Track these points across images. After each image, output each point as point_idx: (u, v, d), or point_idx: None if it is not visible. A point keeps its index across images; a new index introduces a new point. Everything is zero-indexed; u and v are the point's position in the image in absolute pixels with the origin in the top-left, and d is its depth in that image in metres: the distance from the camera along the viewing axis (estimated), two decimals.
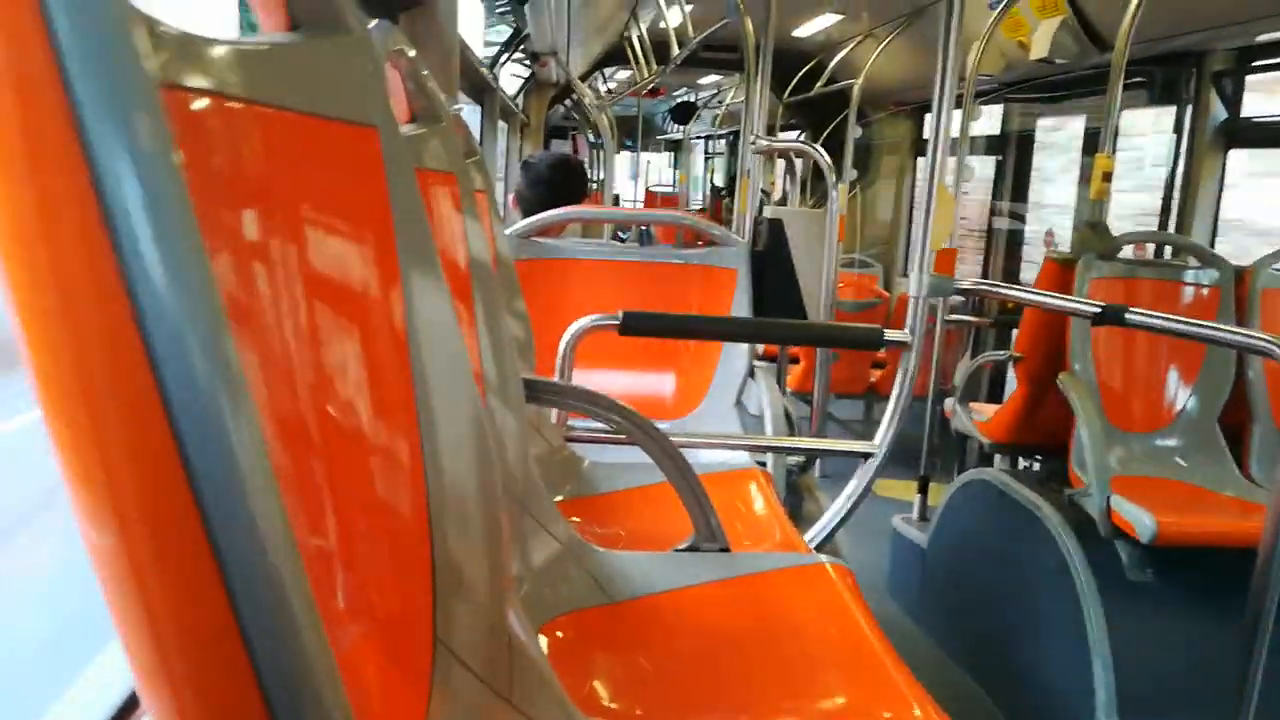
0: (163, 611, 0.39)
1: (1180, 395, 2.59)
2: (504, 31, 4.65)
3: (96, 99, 0.35)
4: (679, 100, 11.25)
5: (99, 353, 0.37)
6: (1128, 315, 1.75)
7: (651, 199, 13.34)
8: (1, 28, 0.34)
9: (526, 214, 2.59)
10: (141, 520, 0.38)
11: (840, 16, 5.56)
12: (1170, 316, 2.04)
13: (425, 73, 0.99)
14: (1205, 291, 2.62)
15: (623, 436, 1.34)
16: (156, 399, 0.37)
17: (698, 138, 13.90)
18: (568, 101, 7.95)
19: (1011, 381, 3.09)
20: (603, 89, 9.32)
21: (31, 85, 0.35)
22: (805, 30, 6.03)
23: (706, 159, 15.22)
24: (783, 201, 6.54)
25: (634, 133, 9.47)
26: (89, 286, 0.36)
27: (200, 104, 0.44)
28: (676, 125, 11.96)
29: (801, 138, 7.34)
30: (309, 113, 0.56)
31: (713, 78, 9.37)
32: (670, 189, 14.02)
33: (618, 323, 1.74)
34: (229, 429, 0.38)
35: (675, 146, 15.56)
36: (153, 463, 0.37)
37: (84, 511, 0.38)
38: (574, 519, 1.32)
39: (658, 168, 17.10)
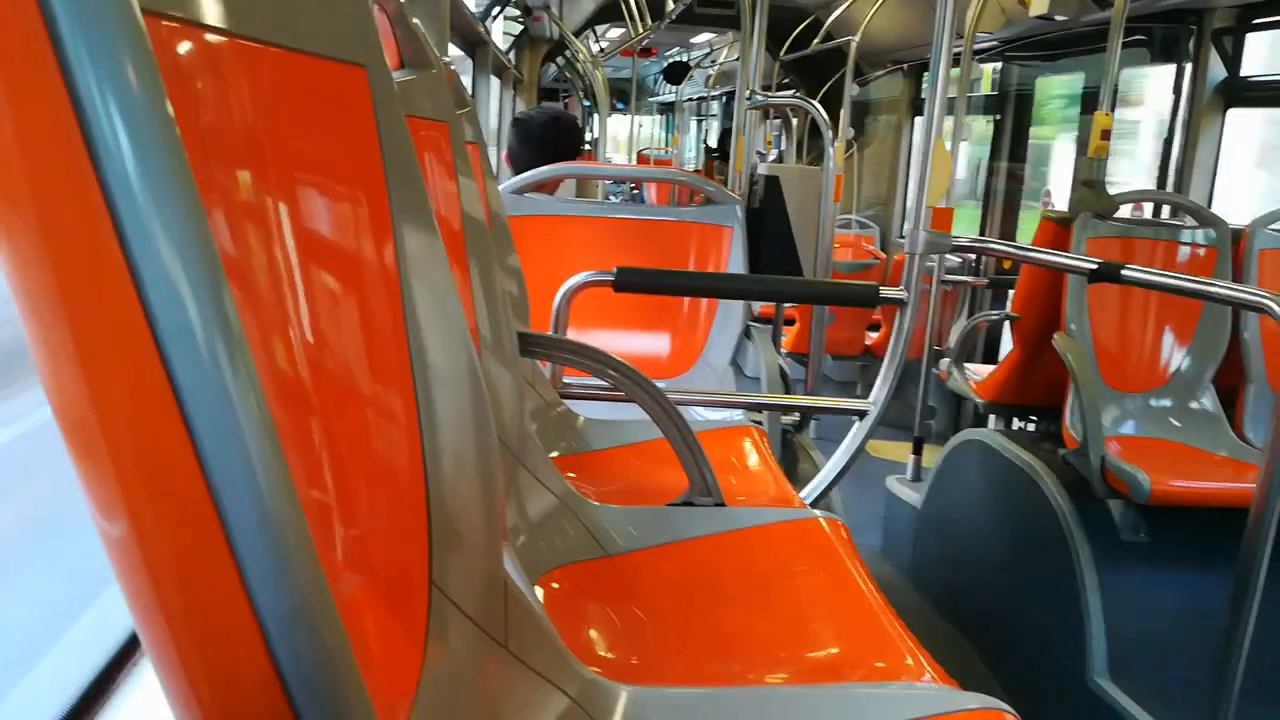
0: (162, 555, 0.38)
1: (1175, 356, 2.59)
2: None
3: (80, 36, 0.34)
4: (671, 60, 11.12)
5: (92, 300, 0.36)
6: (1123, 272, 1.74)
7: (644, 163, 13.26)
8: None
9: (518, 171, 2.57)
10: (138, 464, 0.37)
11: None
12: (1166, 273, 2.03)
13: (415, 20, 0.97)
14: (1202, 251, 2.61)
15: (618, 393, 1.33)
16: (151, 345, 0.36)
17: (690, 99, 13.75)
18: (560, 59, 7.86)
19: (1007, 343, 3.09)
20: (594, 48, 9.21)
21: (12, 22, 0.33)
22: None
23: (699, 121, 15.08)
24: (779, 160, 6.50)
25: (626, 94, 9.38)
26: (79, 232, 0.35)
27: (184, 38, 0.43)
28: (669, 86, 11.84)
29: (798, 96, 7.27)
30: (295, 49, 0.54)
31: (705, 36, 9.25)
32: (664, 152, 13.90)
33: (612, 279, 1.72)
34: (224, 372, 0.37)
35: (669, 109, 15.41)
36: (149, 407, 0.37)
37: (83, 466, 0.37)
38: (570, 474, 1.32)
39: (650, 132, 16.94)
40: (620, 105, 13.69)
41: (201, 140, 0.44)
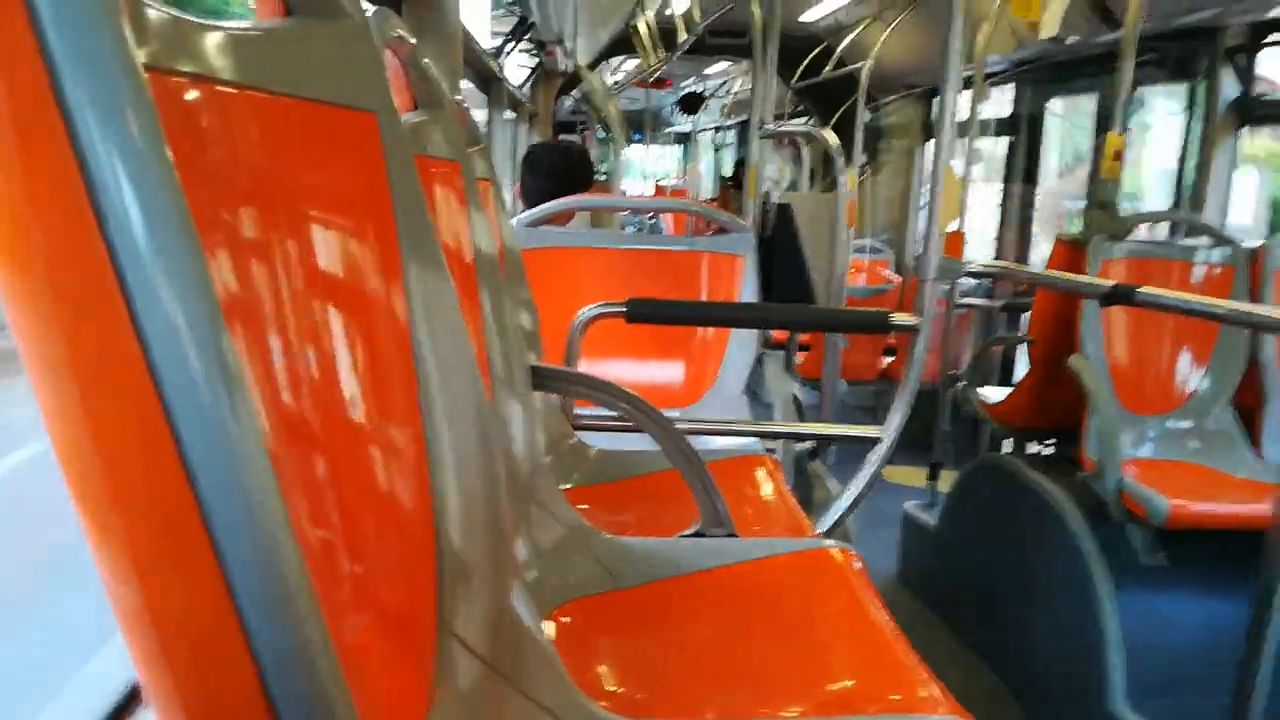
0: (163, 602, 0.39)
1: (1193, 377, 2.57)
2: (510, 21, 4.64)
3: (83, 89, 0.35)
4: (686, 90, 11.20)
5: (93, 348, 0.37)
6: (1138, 294, 1.73)
7: (660, 193, 13.32)
8: None
9: (530, 204, 2.59)
10: (141, 515, 0.38)
11: (849, 1, 5.53)
12: (1181, 295, 2.02)
13: (426, 60, 0.99)
14: (1218, 271, 2.60)
15: (630, 424, 1.34)
16: (153, 395, 0.37)
17: (705, 129, 13.84)
18: (575, 92, 7.94)
19: (1022, 365, 3.08)
20: (610, 80, 9.30)
21: (17, 77, 0.34)
22: (813, 14, 5.99)
23: (716, 150, 15.17)
24: (792, 187, 6.52)
25: (641, 125, 9.46)
26: (81, 282, 0.36)
27: (191, 90, 0.44)
28: (685, 116, 11.91)
29: (810, 123, 7.30)
30: (304, 98, 0.56)
31: (720, 66, 9.32)
32: (679, 183, 13.98)
33: (624, 310, 1.73)
34: (226, 423, 0.38)
35: (685, 139, 15.50)
36: (151, 458, 0.37)
37: (83, 506, 0.38)
38: (582, 506, 1.32)
39: (666, 163, 17.02)
40: (637, 136, 13.80)
41: (208, 186, 0.45)
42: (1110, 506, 2.13)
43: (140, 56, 0.37)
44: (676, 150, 16.82)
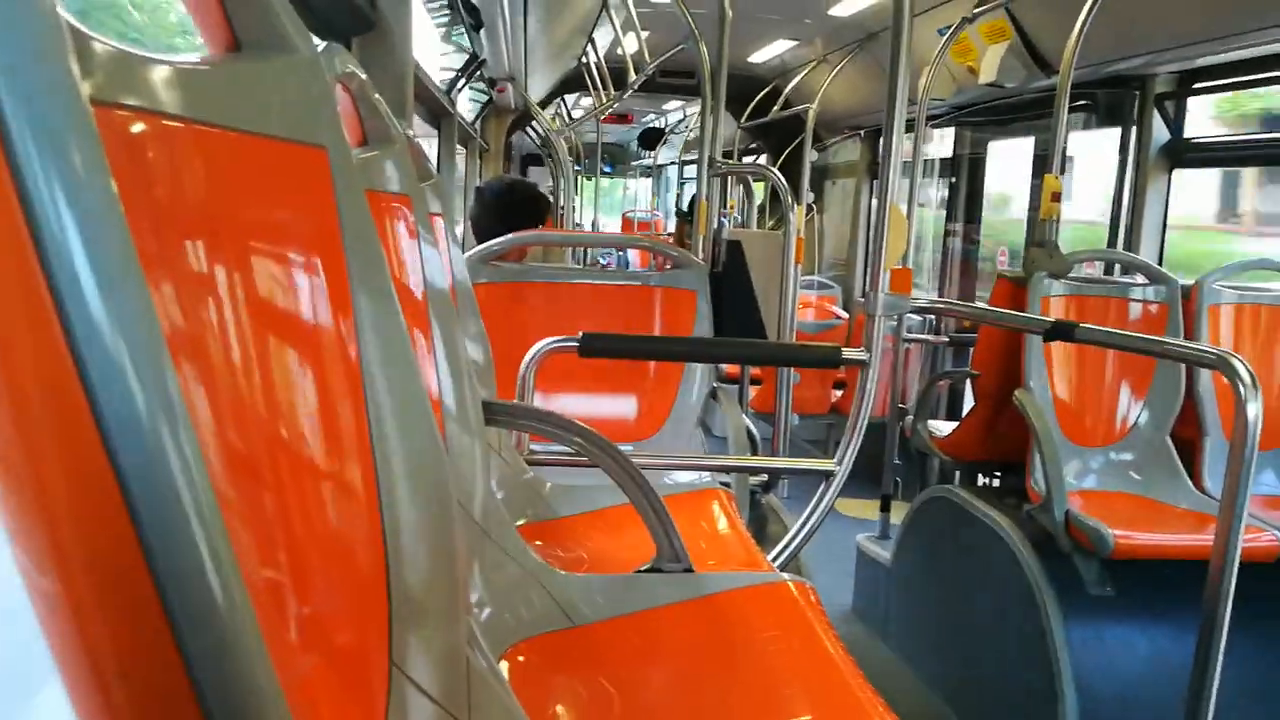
0: (104, 646, 0.38)
1: (1133, 410, 2.64)
2: (461, 58, 4.67)
3: (25, 120, 0.34)
4: (646, 126, 11.29)
5: (33, 382, 0.35)
6: (1077, 331, 1.78)
7: (628, 225, 13.35)
8: None
9: (481, 240, 2.59)
10: (80, 552, 0.37)
11: (794, 43, 5.65)
12: (1120, 332, 2.08)
13: (377, 96, 0.99)
14: (1154, 308, 2.68)
15: (584, 459, 1.33)
16: (94, 430, 0.36)
17: (670, 163, 13.99)
18: (529, 128, 7.99)
19: (970, 399, 3.13)
20: (564, 116, 9.37)
21: None
22: (760, 56, 6.11)
23: (681, 185, 15.34)
24: (742, 224, 6.61)
25: (594, 158, 9.53)
26: (22, 315, 0.35)
27: (137, 123, 0.43)
28: (644, 151, 12.02)
29: (762, 160, 7.42)
30: (253, 132, 0.55)
31: (677, 103, 9.44)
32: (647, 215, 14.06)
33: (577, 344, 1.73)
34: (169, 459, 0.37)
35: (651, 173, 15.63)
36: (90, 493, 0.36)
37: (19, 543, 0.37)
38: (536, 543, 1.31)
39: (635, 194, 17.14)
40: (609, 168, 13.86)
41: (153, 220, 0.44)
42: (1057, 538, 2.17)
43: (85, 89, 0.36)
44: (649, 183, 16.96)
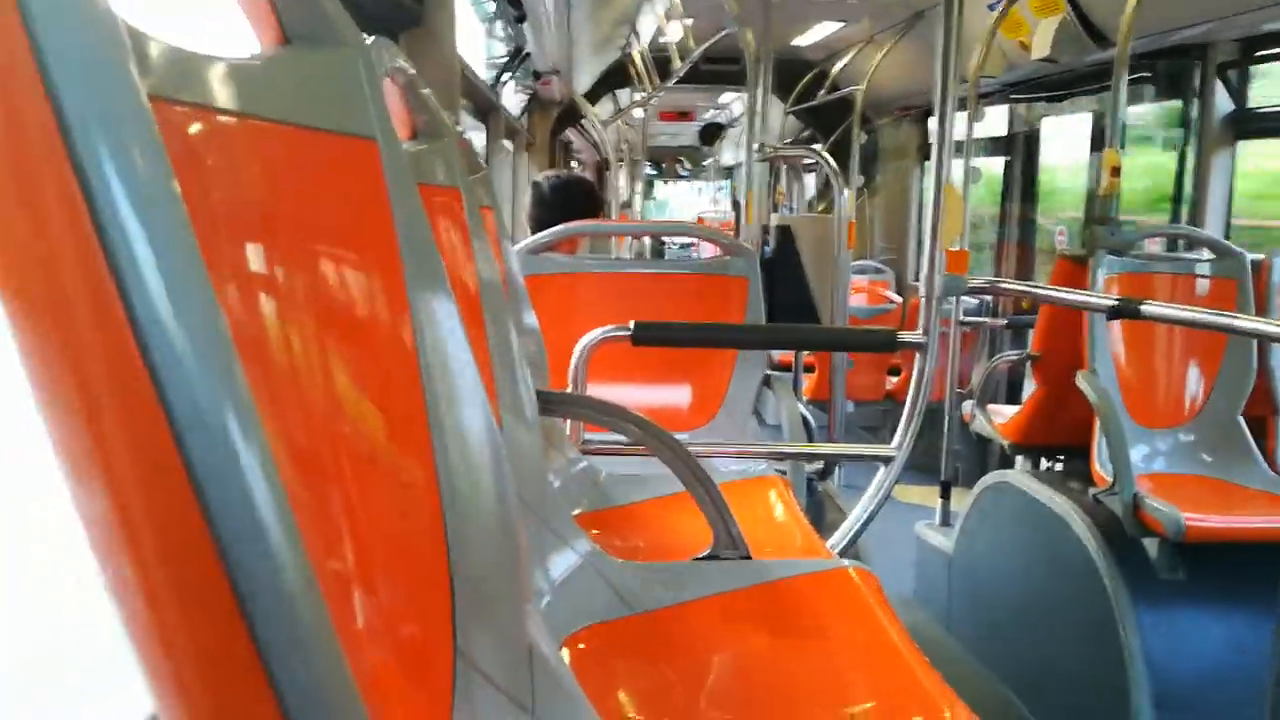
0: (181, 640, 0.38)
1: (1202, 390, 2.56)
2: (505, 52, 4.69)
3: (87, 119, 0.34)
4: (707, 122, 11.11)
5: (104, 384, 0.36)
6: (1144, 308, 1.73)
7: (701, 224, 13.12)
8: None
9: (537, 233, 2.60)
10: (155, 550, 0.37)
11: (840, 24, 5.57)
12: (1188, 308, 2.02)
13: (426, 90, 0.99)
14: (1222, 284, 2.59)
15: (639, 447, 1.33)
16: (165, 428, 0.36)
17: (735, 166, 13.75)
18: (580, 125, 7.98)
19: (1030, 382, 3.07)
20: (610, 111, 9.34)
21: (20, 107, 0.34)
22: (806, 39, 6.04)
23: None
24: (790, 210, 6.56)
25: (689, 161, 9.35)
26: (90, 314, 0.35)
27: (194, 120, 0.44)
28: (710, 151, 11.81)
29: (809, 145, 7.34)
30: (305, 125, 0.55)
31: (734, 95, 9.25)
32: (724, 215, 13.89)
33: (629, 333, 1.73)
34: (239, 455, 0.37)
35: (729, 173, 15.26)
36: (164, 492, 0.37)
37: (97, 543, 0.37)
38: (593, 531, 1.31)
39: (711, 195, 16.67)
40: (685, 172, 13.66)
41: (213, 218, 0.45)
42: (1125, 522, 2.11)
43: (144, 88, 0.37)
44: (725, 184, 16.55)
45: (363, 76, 0.64)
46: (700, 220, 13.38)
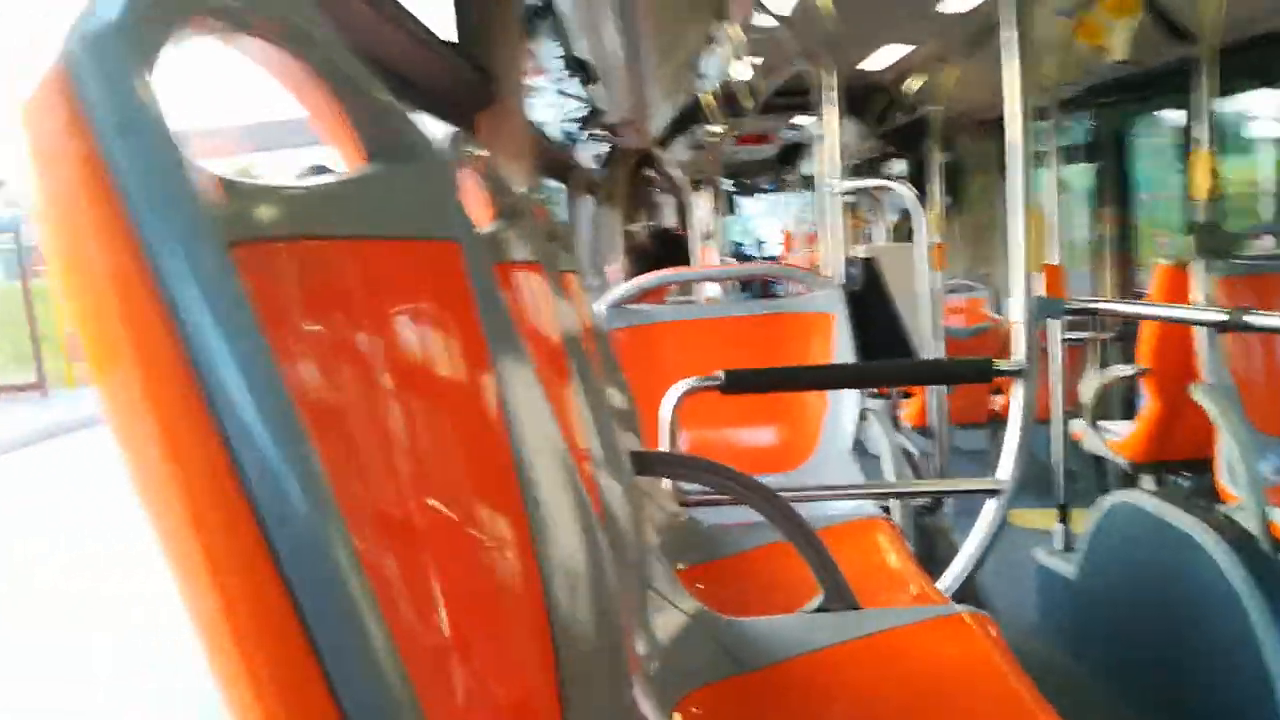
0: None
1: None
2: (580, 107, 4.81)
3: (175, 263, 0.38)
4: (785, 143, 11.09)
5: (199, 481, 0.39)
6: (1253, 319, 1.63)
7: (790, 239, 13.16)
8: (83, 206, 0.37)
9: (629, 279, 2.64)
10: (250, 639, 0.40)
11: (910, 47, 5.52)
12: None
13: (502, 173, 1.02)
14: None
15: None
16: (251, 519, 0.39)
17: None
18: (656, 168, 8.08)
19: (1142, 396, 2.93)
20: (688, 147, 9.40)
21: (115, 252, 0.37)
22: (874, 64, 6.00)
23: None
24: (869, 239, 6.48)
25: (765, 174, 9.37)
26: (185, 427, 0.39)
27: (275, 250, 0.47)
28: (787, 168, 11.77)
29: (900, 166, 7.24)
30: (388, 236, 0.58)
31: (811, 118, 9.20)
32: (810, 228, 13.88)
33: (719, 383, 1.73)
34: (321, 543, 0.40)
35: (811, 182, 15.21)
36: (253, 579, 0.39)
37: (195, 623, 0.40)
38: (698, 586, 1.31)
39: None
40: (770, 186, 13.77)
41: (297, 323, 0.48)
42: (1259, 538, 1.99)
43: (226, 228, 0.40)
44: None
45: (443, 183, 0.67)
46: (787, 235, 13.29)
